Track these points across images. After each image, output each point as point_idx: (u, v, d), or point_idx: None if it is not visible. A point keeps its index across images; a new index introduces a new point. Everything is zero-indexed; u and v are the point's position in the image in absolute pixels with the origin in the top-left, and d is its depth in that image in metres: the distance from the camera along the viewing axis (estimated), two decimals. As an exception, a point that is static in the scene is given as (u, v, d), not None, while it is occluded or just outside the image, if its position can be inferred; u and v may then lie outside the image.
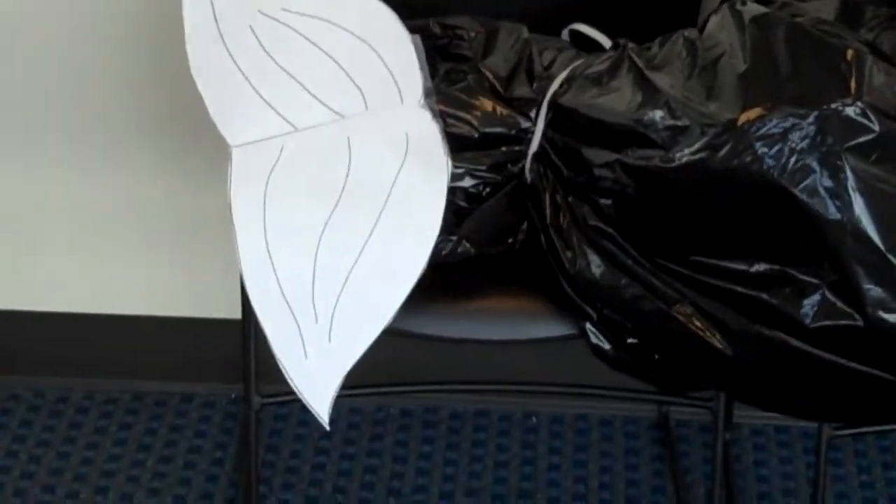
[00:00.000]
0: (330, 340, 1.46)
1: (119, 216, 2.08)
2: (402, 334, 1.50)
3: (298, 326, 1.47)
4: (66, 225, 2.11)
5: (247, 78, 1.55)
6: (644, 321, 1.45)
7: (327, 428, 1.49)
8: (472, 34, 1.66)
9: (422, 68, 1.56)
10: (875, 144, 1.33)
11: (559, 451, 1.95)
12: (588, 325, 1.48)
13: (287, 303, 1.48)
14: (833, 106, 1.32)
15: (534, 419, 2.01)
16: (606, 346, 1.47)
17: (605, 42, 1.65)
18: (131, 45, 2.00)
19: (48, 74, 2.00)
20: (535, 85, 1.59)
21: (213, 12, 1.55)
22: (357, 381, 1.51)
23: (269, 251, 1.49)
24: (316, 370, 1.48)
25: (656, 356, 1.48)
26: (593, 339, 1.48)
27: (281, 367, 1.48)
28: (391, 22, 1.56)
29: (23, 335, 2.10)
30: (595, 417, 1.99)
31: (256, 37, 1.55)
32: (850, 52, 1.37)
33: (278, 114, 1.53)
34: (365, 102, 1.54)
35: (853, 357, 1.35)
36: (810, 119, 1.34)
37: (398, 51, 1.55)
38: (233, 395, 2.02)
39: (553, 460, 1.93)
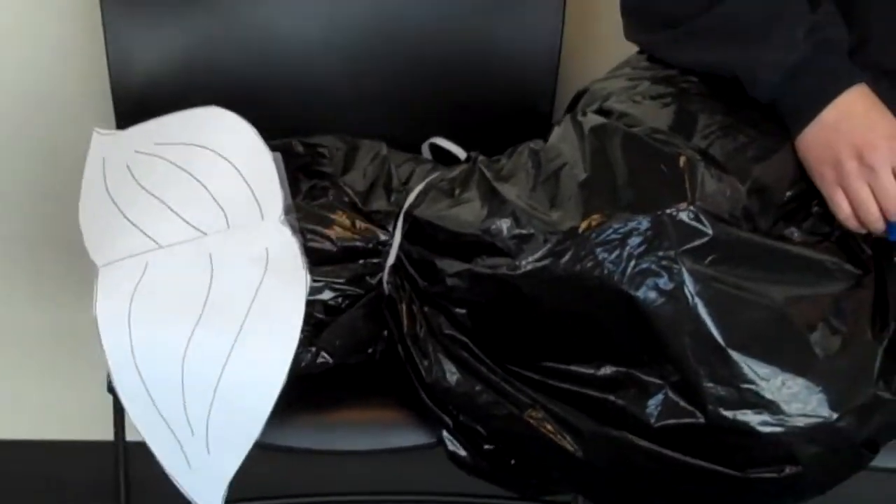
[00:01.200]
0: (209, 452, 1.45)
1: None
2: (265, 447, 1.48)
3: (178, 439, 1.45)
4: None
5: (114, 201, 1.55)
6: (498, 427, 1.45)
7: None
8: (333, 151, 1.66)
9: (282, 185, 1.57)
10: (709, 247, 1.36)
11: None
12: (445, 433, 1.47)
13: (163, 418, 1.46)
14: (668, 211, 1.35)
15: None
16: (463, 453, 1.47)
17: (461, 154, 1.68)
18: (9, 168, 1.96)
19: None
20: (392, 198, 1.58)
21: (104, 165, 1.59)
22: (241, 495, 1.48)
23: (137, 367, 1.47)
24: (202, 480, 1.47)
25: (512, 461, 1.47)
26: (450, 447, 1.47)
27: (172, 479, 1.46)
28: (252, 140, 1.58)
29: None
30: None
31: (130, 170, 1.58)
32: (682, 160, 1.39)
33: (142, 232, 1.52)
34: (227, 219, 1.53)
35: (697, 454, 1.36)
36: (647, 224, 1.36)
37: (259, 168, 1.56)
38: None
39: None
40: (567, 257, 1.36)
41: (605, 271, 1.35)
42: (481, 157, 1.55)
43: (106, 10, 1.75)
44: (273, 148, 1.60)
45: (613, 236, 1.35)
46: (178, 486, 1.47)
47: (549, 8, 1.83)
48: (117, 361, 1.48)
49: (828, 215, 1.43)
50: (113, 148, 1.65)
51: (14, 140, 1.97)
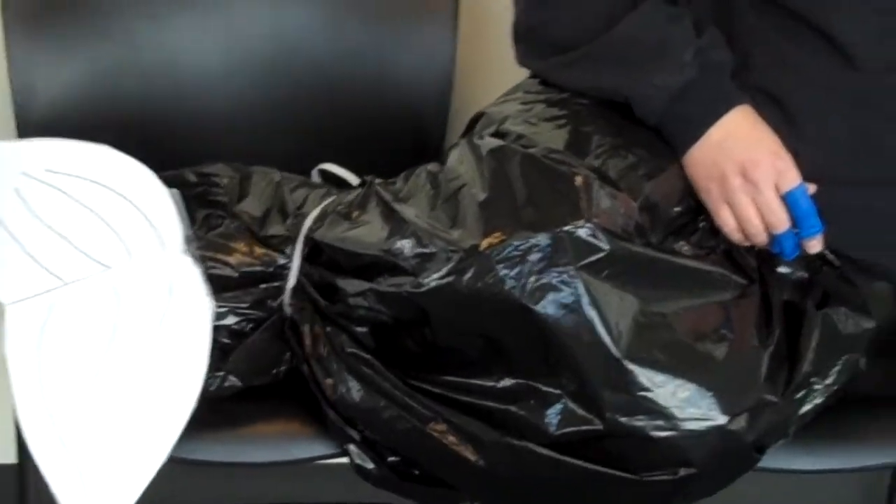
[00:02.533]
0: (112, 478, 1.44)
1: None
2: (175, 461, 1.46)
3: (79, 469, 1.44)
4: None
5: (15, 239, 1.53)
6: (403, 440, 1.45)
7: None
8: (226, 180, 1.66)
9: (181, 218, 1.56)
10: (605, 262, 1.39)
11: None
12: (351, 446, 1.47)
13: (65, 446, 1.44)
14: (566, 228, 1.37)
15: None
16: (370, 466, 1.47)
17: (353, 179, 1.68)
18: None
19: None
20: (288, 223, 1.58)
21: None
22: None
23: (45, 399, 1.46)
24: None
25: (416, 472, 1.48)
26: (356, 459, 1.48)
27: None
28: (149, 179, 1.57)
29: None
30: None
31: (22, 198, 1.55)
32: (578, 178, 1.42)
33: (46, 270, 1.52)
34: (129, 253, 1.53)
35: (595, 460, 1.39)
36: (546, 241, 1.38)
37: (157, 205, 1.56)
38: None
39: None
40: (469, 274, 1.37)
41: (507, 287, 1.36)
42: (378, 180, 1.55)
43: (9, 40, 1.74)
44: (165, 178, 1.59)
45: (514, 253, 1.36)
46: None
47: (441, 35, 1.86)
48: (25, 404, 1.46)
49: (714, 229, 1.46)
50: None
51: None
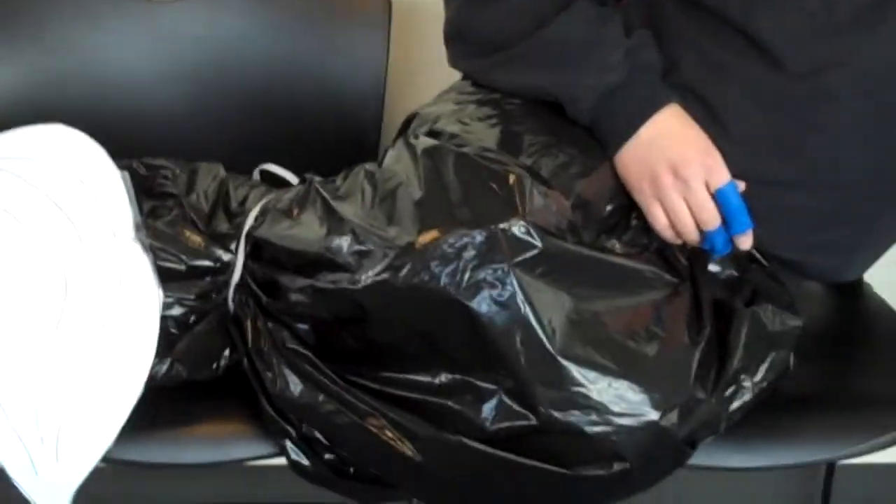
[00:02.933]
0: (57, 460, 1.43)
1: None
2: (111, 461, 1.48)
3: (25, 447, 1.43)
4: None
5: None
6: (340, 435, 1.46)
7: None
8: (176, 173, 1.66)
9: (131, 203, 1.56)
10: (539, 259, 1.39)
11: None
12: (288, 443, 1.48)
13: (13, 427, 1.43)
14: (501, 226, 1.38)
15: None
16: (305, 462, 1.48)
17: (293, 179, 1.70)
18: None
19: None
20: (233, 220, 1.59)
21: None
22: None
23: None
24: (48, 486, 1.45)
25: (352, 469, 1.49)
26: (293, 456, 1.48)
27: (16, 484, 1.44)
28: (99, 157, 1.57)
29: None
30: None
31: None
32: (512, 177, 1.43)
33: None
34: (79, 235, 1.52)
35: (530, 454, 1.39)
36: (481, 238, 1.38)
37: (107, 185, 1.56)
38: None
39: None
40: (405, 271, 1.37)
41: (442, 283, 1.36)
42: (317, 179, 1.56)
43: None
44: (121, 166, 1.58)
45: (449, 250, 1.37)
46: (22, 490, 1.44)
47: (374, 37, 1.88)
48: None
49: (646, 227, 1.47)
50: None
51: None
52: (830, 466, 2.15)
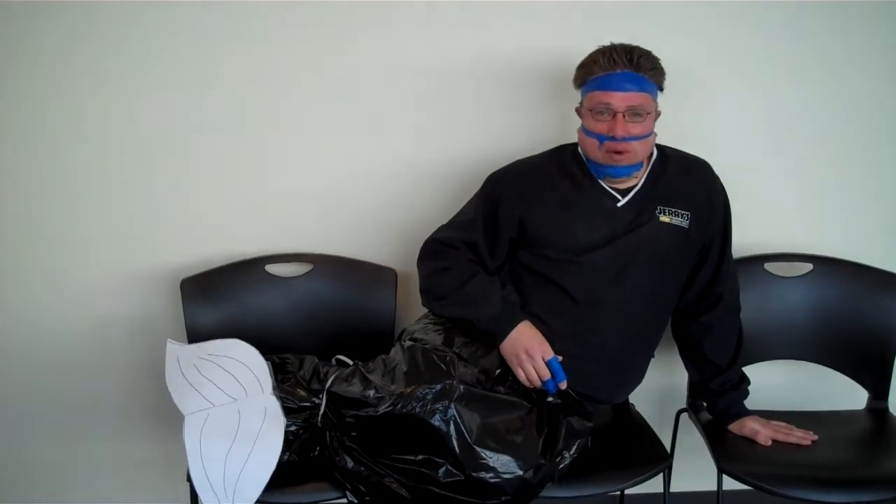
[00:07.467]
0: (234, 501, 1.83)
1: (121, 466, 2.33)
2: (259, 501, 1.83)
3: (217, 497, 1.83)
4: (85, 480, 2.30)
5: (192, 385, 1.94)
6: (370, 486, 1.88)
7: None
8: (292, 360, 2.07)
9: (270, 375, 1.98)
10: (465, 397, 1.84)
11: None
12: (347, 493, 1.89)
13: (212, 488, 1.84)
14: (445, 382, 1.81)
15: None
16: (355, 501, 1.90)
17: (349, 362, 2.03)
18: (136, 368, 2.30)
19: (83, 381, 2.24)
20: (321, 383, 1.97)
21: (178, 360, 1.98)
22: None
23: (203, 465, 1.86)
24: None
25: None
26: (349, 497, 1.89)
27: None
28: (256, 356, 1.99)
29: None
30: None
31: (195, 367, 1.95)
32: (448, 357, 1.86)
33: (204, 398, 1.93)
34: (245, 392, 1.95)
35: (463, 494, 1.82)
36: (438, 389, 1.82)
37: (259, 368, 1.97)
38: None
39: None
40: (399, 405, 1.83)
41: (417, 411, 1.82)
42: (360, 363, 1.99)
43: None
44: (264, 357, 1.97)
45: (420, 395, 1.84)
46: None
47: (388, 293, 2.27)
48: (194, 467, 1.84)
49: (516, 380, 1.93)
50: (180, 350, 1.98)
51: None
52: (622, 495, 2.38)
